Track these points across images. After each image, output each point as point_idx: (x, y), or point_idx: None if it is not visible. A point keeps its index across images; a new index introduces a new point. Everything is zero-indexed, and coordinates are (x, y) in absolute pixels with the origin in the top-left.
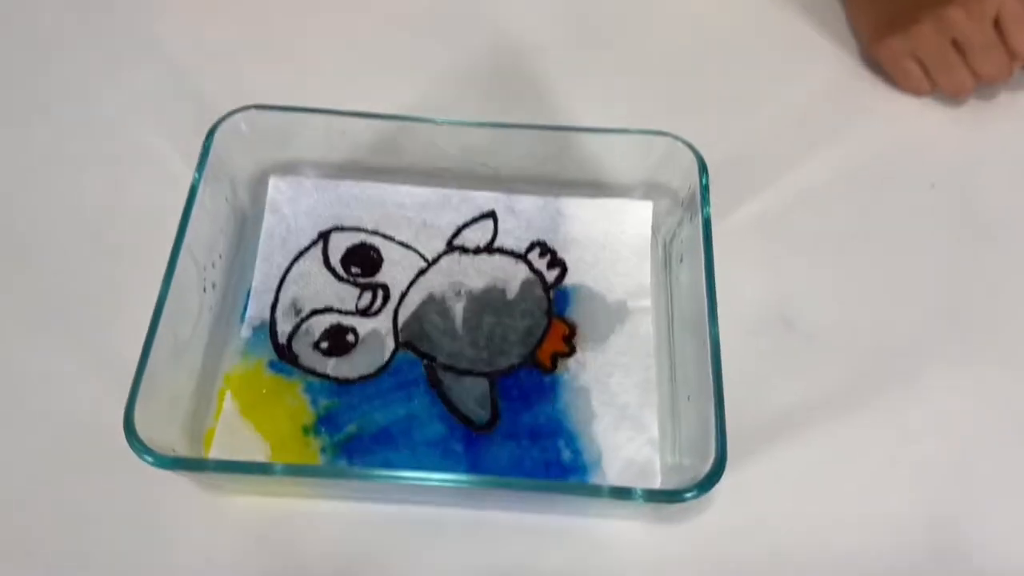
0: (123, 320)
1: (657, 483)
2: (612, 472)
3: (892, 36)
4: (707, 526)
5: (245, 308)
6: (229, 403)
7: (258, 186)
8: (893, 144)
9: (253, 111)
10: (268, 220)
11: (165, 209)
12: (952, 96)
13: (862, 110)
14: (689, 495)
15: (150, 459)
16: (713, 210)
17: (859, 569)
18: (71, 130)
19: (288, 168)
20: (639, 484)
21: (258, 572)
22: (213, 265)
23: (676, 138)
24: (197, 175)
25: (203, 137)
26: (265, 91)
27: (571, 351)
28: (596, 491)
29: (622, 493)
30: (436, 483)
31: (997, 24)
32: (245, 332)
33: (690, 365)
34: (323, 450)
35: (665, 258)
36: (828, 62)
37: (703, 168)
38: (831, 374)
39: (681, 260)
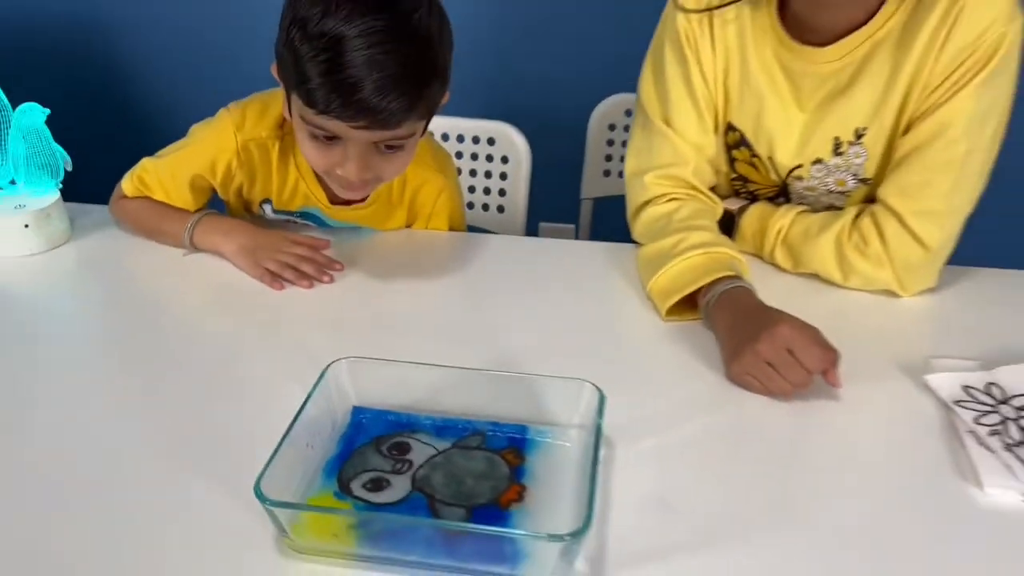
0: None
1: None
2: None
3: (735, 363)
4: None
5: (327, 467)
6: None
7: (345, 402)
8: (740, 424)
9: (347, 359)
10: (340, 411)
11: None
12: (780, 396)
13: (728, 402)
14: None
15: (267, 503)
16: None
17: None
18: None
19: (367, 397)
20: None
21: None
22: (309, 446)
23: (593, 385)
24: (313, 390)
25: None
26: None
27: (520, 499)
28: None
29: None
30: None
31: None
32: (327, 481)
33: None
34: (359, 542)
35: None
36: (710, 376)
37: (601, 408)
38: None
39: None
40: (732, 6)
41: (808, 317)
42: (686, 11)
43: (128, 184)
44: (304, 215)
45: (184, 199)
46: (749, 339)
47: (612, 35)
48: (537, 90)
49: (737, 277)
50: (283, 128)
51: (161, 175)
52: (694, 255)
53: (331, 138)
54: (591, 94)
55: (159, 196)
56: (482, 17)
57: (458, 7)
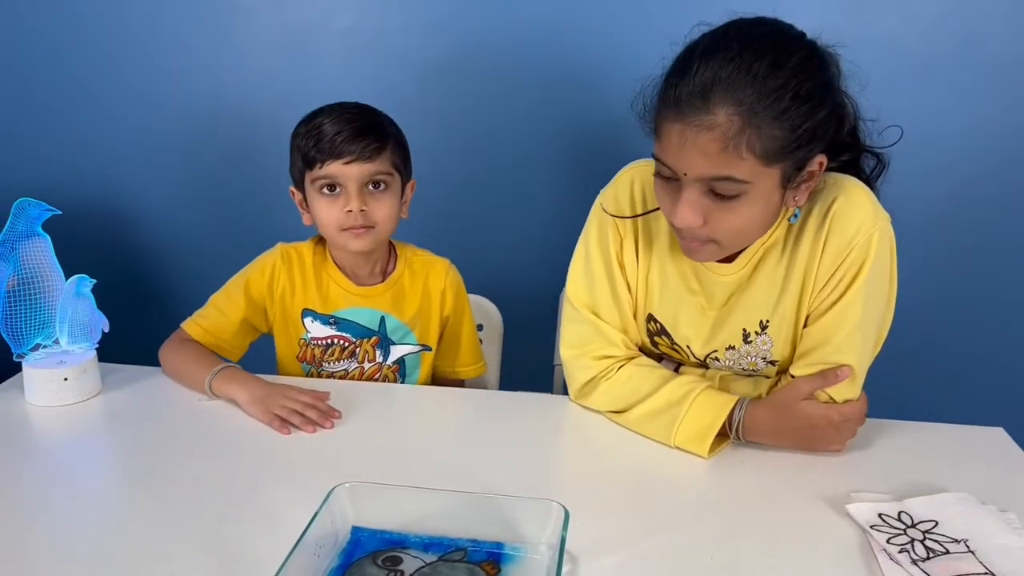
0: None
1: None
2: None
3: (820, 448)
4: None
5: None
6: None
7: (346, 522)
8: (691, 542)
9: (349, 484)
10: (341, 531)
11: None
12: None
13: (680, 523)
14: None
15: None
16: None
17: None
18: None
19: (364, 519)
20: None
21: None
22: (316, 556)
23: (559, 504)
24: (319, 510)
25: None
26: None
27: None
28: None
29: None
30: None
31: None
32: None
33: None
34: None
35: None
36: (668, 500)
37: (566, 523)
38: None
39: None
40: (652, 216)
41: (755, 460)
42: (612, 216)
43: (188, 322)
44: (339, 322)
45: (237, 307)
46: (811, 435)
47: (577, 226)
48: (515, 273)
49: (736, 399)
50: (316, 245)
51: (218, 300)
52: (695, 396)
53: (333, 188)
54: (560, 277)
55: (214, 317)
56: (460, 202)
57: (437, 199)
